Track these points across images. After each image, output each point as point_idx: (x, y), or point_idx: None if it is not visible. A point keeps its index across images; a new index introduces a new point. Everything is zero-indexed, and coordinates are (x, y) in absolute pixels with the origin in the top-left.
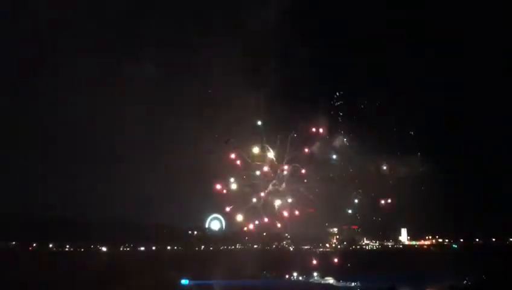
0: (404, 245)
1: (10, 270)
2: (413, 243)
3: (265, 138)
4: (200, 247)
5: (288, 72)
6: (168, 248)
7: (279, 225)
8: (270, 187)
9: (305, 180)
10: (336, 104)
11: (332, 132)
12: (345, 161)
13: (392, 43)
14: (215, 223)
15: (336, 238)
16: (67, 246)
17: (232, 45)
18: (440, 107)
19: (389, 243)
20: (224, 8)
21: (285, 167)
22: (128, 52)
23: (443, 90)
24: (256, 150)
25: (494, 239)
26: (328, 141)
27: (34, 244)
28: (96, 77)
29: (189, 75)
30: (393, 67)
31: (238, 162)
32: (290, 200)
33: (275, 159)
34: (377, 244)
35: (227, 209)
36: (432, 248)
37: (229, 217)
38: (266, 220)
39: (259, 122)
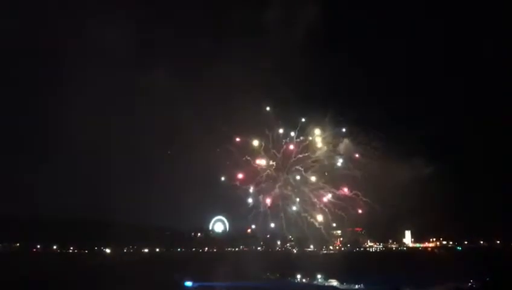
0: (408, 247)
1: (15, 272)
2: (417, 245)
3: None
4: (203, 249)
5: (298, 79)
6: (172, 249)
7: None
8: (277, 190)
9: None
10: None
11: (338, 136)
12: (350, 164)
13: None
14: (218, 225)
15: (340, 240)
16: (71, 248)
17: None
18: (446, 111)
19: (393, 245)
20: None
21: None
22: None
23: (448, 93)
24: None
25: (498, 242)
26: (333, 145)
27: (38, 246)
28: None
29: (202, 82)
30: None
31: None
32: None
33: (280, 163)
34: (381, 246)
35: None
36: (436, 250)
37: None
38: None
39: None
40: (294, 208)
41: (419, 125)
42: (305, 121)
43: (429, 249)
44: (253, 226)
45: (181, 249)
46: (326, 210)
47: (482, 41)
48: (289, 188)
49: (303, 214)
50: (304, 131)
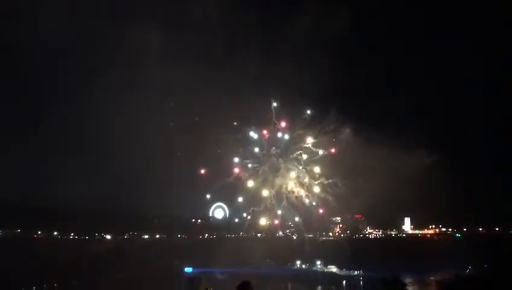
0: (407, 234)
1: (16, 257)
2: (417, 232)
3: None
4: (203, 235)
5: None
6: (172, 236)
7: None
8: (279, 178)
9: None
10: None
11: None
12: (352, 153)
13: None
14: (218, 211)
15: (340, 227)
16: (72, 234)
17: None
18: (445, 102)
19: (393, 232)
20: None
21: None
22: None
23: (448, 86)
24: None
25: (497, 229)
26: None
27: (39, 232)
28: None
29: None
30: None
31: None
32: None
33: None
34: (380, 233)
35: None
36: (435, 237)
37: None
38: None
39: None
40: (295, 195)
41: (419, 115)
42: (310, 114)
43: (428, 236)
44: (253, 213)
45: (181, 236)
46: (327, 197)
47: (483, 40)
48: (290, 176)
49: (303, 201)
50: (307, 124)
